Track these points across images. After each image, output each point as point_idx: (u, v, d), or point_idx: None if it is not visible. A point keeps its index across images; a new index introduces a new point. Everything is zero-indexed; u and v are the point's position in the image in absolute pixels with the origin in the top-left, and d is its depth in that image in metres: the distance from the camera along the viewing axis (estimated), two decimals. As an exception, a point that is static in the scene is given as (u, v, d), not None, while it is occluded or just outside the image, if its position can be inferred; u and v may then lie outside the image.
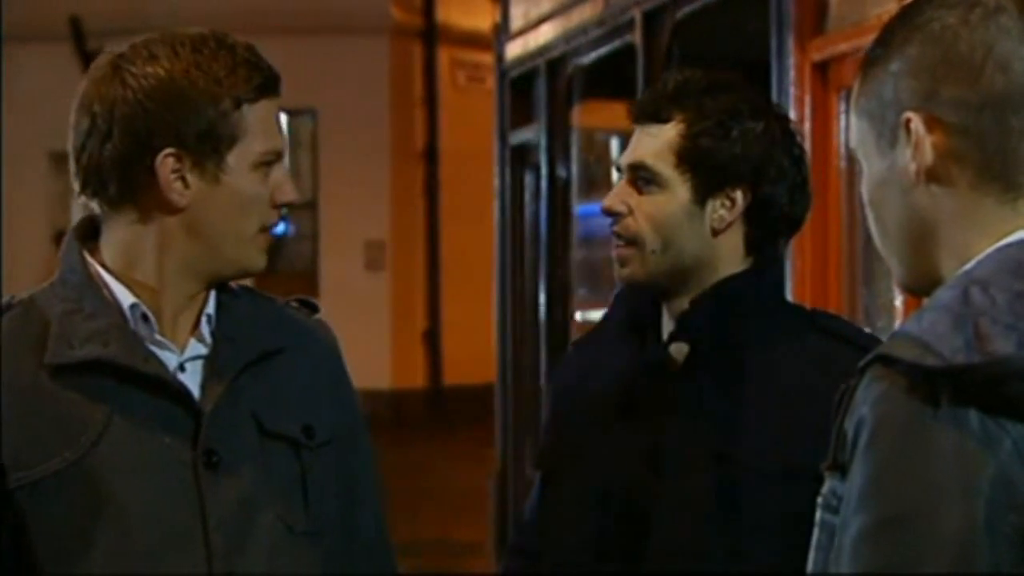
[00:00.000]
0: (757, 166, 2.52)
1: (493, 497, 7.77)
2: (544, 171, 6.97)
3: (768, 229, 2.56)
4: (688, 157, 2.52)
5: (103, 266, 2.25)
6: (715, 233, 2.53)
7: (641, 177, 2.54)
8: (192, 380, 2.23)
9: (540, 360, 7.14)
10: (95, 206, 2.25)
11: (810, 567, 1.64)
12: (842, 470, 1.58)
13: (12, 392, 2.17)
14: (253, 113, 2.21)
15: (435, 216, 17.02)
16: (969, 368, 1.49)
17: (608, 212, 2.56)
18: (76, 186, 2.25)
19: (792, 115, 4.26)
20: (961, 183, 1.65)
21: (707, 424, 2.49)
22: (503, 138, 7.67)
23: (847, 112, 4.28)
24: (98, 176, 2.21)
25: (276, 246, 2.42)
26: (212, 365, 2.24)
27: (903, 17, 1.71)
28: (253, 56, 2.23)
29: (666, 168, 2.53)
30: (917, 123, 1.65)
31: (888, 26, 1.72)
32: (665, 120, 2.54)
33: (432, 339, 16.96)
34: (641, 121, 2.58)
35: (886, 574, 1.49)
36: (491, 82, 8.37)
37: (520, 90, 7.42)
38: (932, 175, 1.65)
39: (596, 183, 6.79)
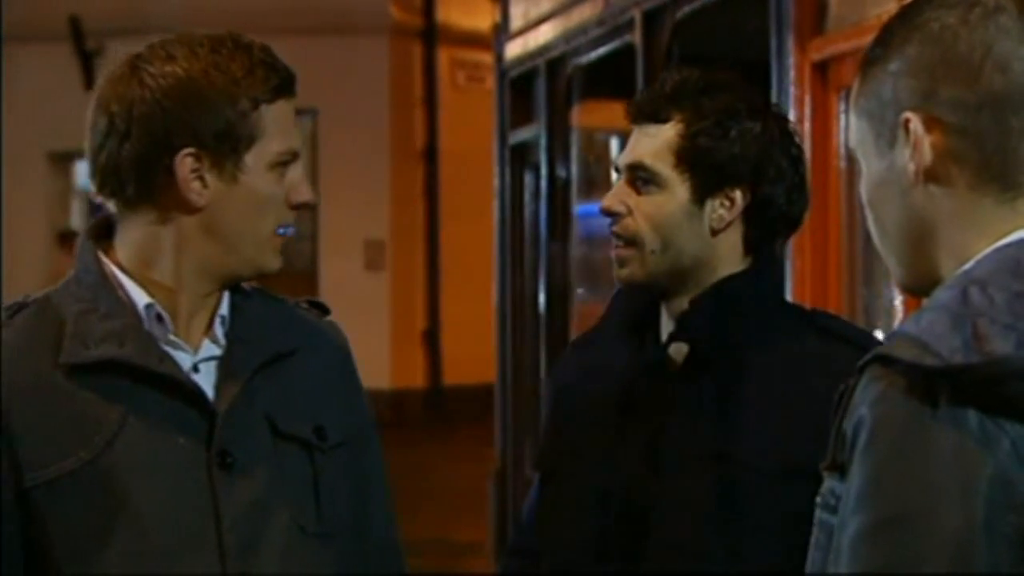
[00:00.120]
0: (756, 166, 2.52)
1: (493, 497, 7.77)
2: (544, 171, 6.96)
3: (767, 229, 2.56)
4: (687, 157, 2.52)
5: (118, 266, 2.25)
6: (714, 233, 2.53)
7: (640, 177, 2.55)
8: (206, 381, 2.23)
9: (540, 360, 7.14)
10: (111, 206, 2.25)
11: (809, 567, 1.64)
12: (841, 470, 1.58)
13: (27, 391, 2.18)
14: (270, 113, 2.22)
15: (435, 216, 17.02)
16: (968, 368, 1.50)
17: (607, 212, 2.56)
18: (93, 186, 2.25)
19: (792, 115, 4.28)
20: (960, 183, 1.65)
21: (706, 424, 2.49)
22: (503, 138, 7.67)
23: (847, 112, 4.28)
24: (116, 176, 2.21)
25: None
26: (226, 366, 2.25)
27: (902, 17, 1.71)
28: (269, 57, 2.24)
29: (665, 168, 2.53)
30: (916, 123, 1.65)
31: (887, 26, 1.72)
32: (663, 120, 2.54)
33: (432, 339, 16.96)
34: (639, 121, 2.58)
35: (885, 574, 1.49)
36: (491, 82, 8.36)
37: (520, 90, 7.42)
38: (931, 175, 1.66)
39: (596, 183, 6.78)
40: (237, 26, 2.35)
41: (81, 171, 17.51)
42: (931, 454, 1.49)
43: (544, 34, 6.93)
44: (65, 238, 15.59)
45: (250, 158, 2.21)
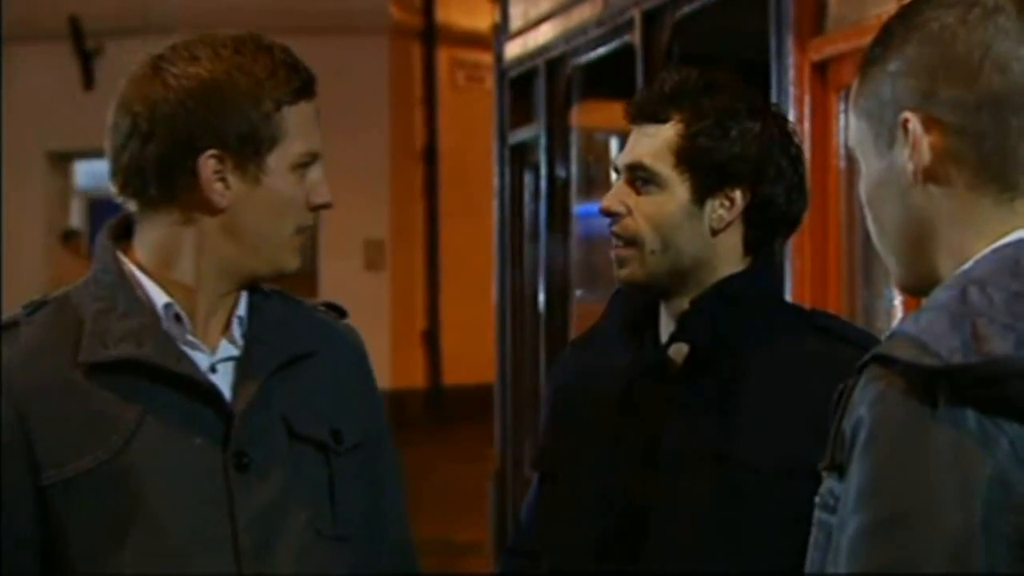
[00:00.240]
0: (756, 166, 2.52)
1: (493, 497, 7.77)
2: (543, 171, 6.96)
3: (766, 229, 2.56)
4: (687, 157, 2.52)
5: (137, 265, 2.25)
6: (714, 233, 2.53)
7: (640, 177, 2.55)
8: (223, 382, 2.23)
9: (540, 360, 7.14)
10: (131, 206, 2.25)
11: (808, 567, 1.64)
12: (840, 470, 1.58)
13: (46, 390, 2.18)
14: (292, 115, 2.22)
15: (435, 216, 17.02)
16: (966, 368, 1.50)
17: (607, 213, 2.56)
18: (114, 187, 2.25)
19: (792, 115, 4.28)
20: (958, 183, 1.65)
21: (706, 424, 2.49)
22: (502, 138, 7.67)
23: (846, 112, 4.28)
24: (139, 177, 2.21)
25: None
26: (243, 367, 2.25)
27: (902, 17, 1.71)
28: (291, 58, 2.24)
29: (665, 168, 2.53)
30: (915, 123, 1.66)
31: (887, 26, 1.72)
32: (663, 120, 2.54)
33: (431, 339, 16.96)
34: (638, 121, 2.58)
35: (883, 574, 1.49)
36: (490, 82, 8.36)
37: (519, 90, 7.42)
38: (930, 175, 1.66)
39: (595, 183, 6.78)
40: (237, 26, 2.35)
41: (80, 171, 17.52)
42: (930, 454, 1.49)
43: (544, 34, 6.93)
44: (68, 237, 15.62)
45: (272, 160, 2.22)
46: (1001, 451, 1.49)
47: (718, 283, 2.53)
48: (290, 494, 2.23)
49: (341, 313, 2.47)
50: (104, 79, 15.95)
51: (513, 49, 7.42)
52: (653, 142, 2.54)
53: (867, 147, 1.72)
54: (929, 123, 1.65)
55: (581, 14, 6.36)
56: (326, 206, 2.29)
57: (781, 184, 2.54)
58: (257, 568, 2.19)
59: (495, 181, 7.81)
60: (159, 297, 2.23)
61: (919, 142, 1.65)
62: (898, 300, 4.13)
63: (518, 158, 7.59)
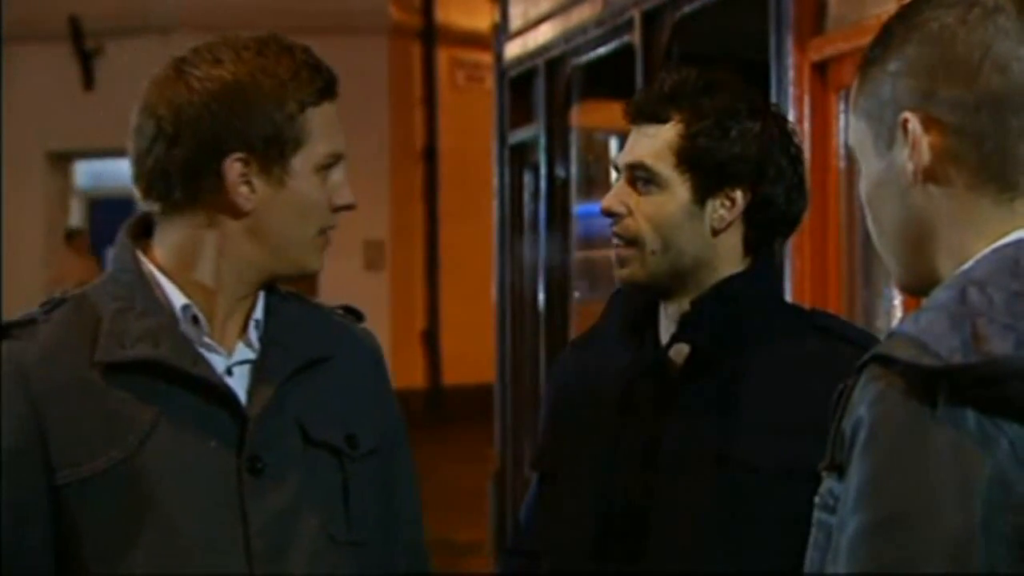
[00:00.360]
0: (757, 166, 2.52)
1: (493, 497, 7.77)
2: (543, 171, 6.96)
3: (767, 229, 2.56)
4: (688, 157, 2.52)
5: (156, 265, 2.24)
6: (715, 233, 2.53)
7: (640, 177, 2.54)
8: (239, 385, 2.22)
9: (540, 360, 7.13)
10: (153, 208, 2.23)
11: (808, 567, 1.64)
12: (839, 470, 1.58)
13: (62, 389, 2.17)
14: (316, 116, 2.21)
15: (434, 216, 17.02)
16: (966, 368, 1.50)
17: (607, 213, 2.56)
18: (138, 191, 2.23)
19: (791, 115, 4.28)
20: (958, 183, 1.65)
21: (707, 424, 2.48)
22: (502, 138, 7.67)
23: (846, 112, 4.28)
24: (164, 180, 2.19)
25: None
26: (260, 370, 2.24)
27: (901, 17, 1.71)
28: (312, 58, 2.23)
29: (666, 168, 2.53)
30: (914, 123, 1.66)
31: (886, 26, 1.72)
32: (663, 120, 2.54)
33: (431, 339, 16.95)
34: (638, 121, 2.58)
35: (883, 574, 1.49)
36: (490, 82, 8.36)
37: (519, 90, 7.42)
38: (929, 175, 1.66)
39: (595, 183, 6.78)
40: (237, 26, 2.34)
41: (80, 171, 17.52)
42: (929, 454, 1.49)
43: (543, 34, 6.93)
44: (71, 236, 15.61)
45: (297, 162, 2.20)
46: (1001, 451, 1.49)
47: (718, 283, 2.53)
48: (304, 499, 2.22)
49: (358, 317, 2.46)
50: (104, 79, 15.96)
51: (513, 49, 7.42)
52: (653, 142, 2.54)
53: (867, 147, 1.72)
54: (929, 123, 1.65)
55: (581, 14, 6.36)
56: (349, 207, 2.28)
57: (781, 184, 2.54)
58: (270, 572, 2.18)
59: (495, 181, 7.81)
60: (177, 298, 2.22)
61: (919, 142, 1.65)
62: (898, 300, 4.13)
63: (518, 158, 7.59)
